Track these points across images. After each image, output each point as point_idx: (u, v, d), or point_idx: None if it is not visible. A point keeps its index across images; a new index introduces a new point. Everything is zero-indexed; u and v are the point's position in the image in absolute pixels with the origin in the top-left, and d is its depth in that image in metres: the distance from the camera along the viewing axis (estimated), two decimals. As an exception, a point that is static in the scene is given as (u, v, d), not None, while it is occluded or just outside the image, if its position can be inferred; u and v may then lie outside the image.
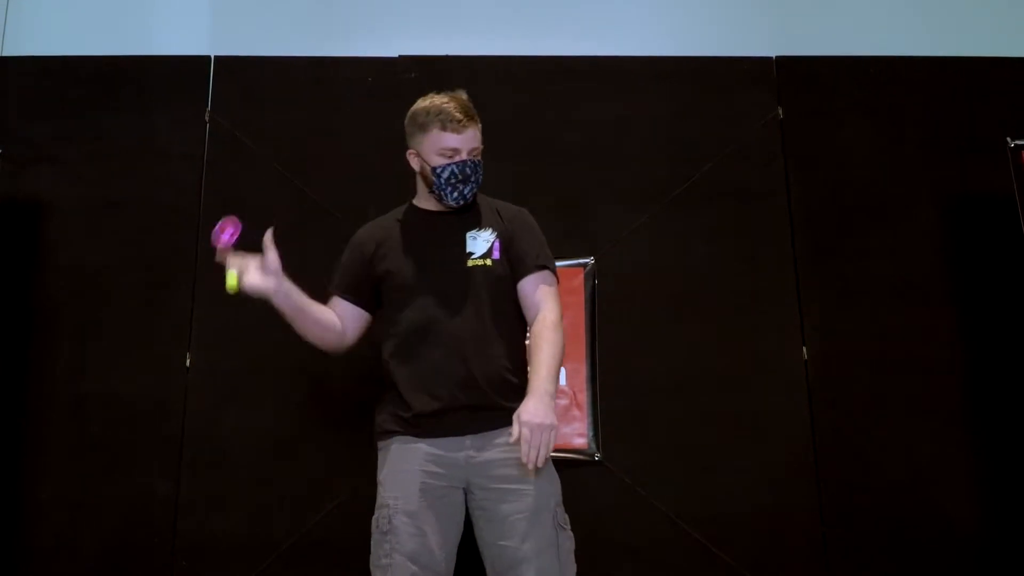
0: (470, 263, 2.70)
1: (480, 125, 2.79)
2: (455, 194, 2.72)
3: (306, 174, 3.94)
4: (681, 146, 4.02)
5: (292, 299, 2.73)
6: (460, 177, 2.70)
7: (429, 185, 2.78)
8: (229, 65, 4.07)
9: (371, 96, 4.04)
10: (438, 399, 2.61)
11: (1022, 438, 3.75)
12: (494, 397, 2.63)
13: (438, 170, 2.70)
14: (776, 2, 4.42)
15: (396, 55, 4.07)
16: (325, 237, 3.87)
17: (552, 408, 2.47)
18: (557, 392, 2.69)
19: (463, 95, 2.80)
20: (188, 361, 3.75)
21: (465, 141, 2.71)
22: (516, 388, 2.67)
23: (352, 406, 3.68)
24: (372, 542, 2.61)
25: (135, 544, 3.58)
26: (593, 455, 3.65)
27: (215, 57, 4.07)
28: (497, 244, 2.75)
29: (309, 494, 3.64)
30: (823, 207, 3.99)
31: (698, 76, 4.11)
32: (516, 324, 2.78)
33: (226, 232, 2.58)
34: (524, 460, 2.41)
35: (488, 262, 2.71)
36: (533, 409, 2.44)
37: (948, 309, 3.91)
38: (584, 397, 3.68)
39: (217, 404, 3.72)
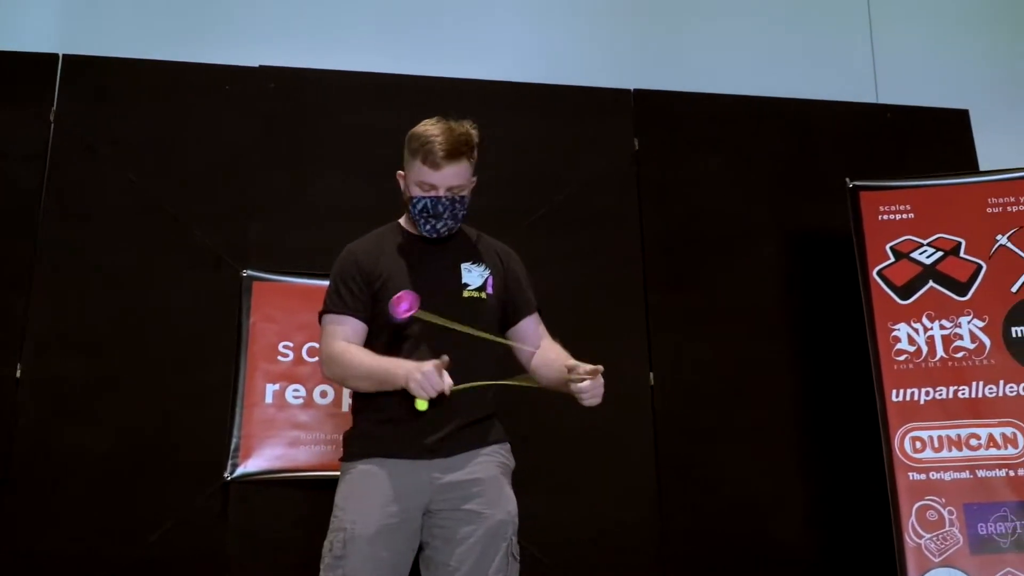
0: (466, 294, 2.65)
1: (471, 160, 2.69)
2: (427, 226, 2.65)
3: (156, 181, 3.83)
4: (538, 172, 4.09)
5: None
6: (431, 213, 2.62)
7: (407, 211, 2.73)
8: (79, 64, 3.91)
9: (228, 104, 3.95)
10: (417, 425, 2.52)
11: (851, 463, 3.94)
12: (471, 424, 2.62)
13: (414, 200, 2.63)
14: (637, 36, 4.55)
15: (256, 65, 4.00)
16: (173, 246, 3.78)
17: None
18: None
19: (464, 126, 2.69)
20: (19, 372, 3.57)
21: (443, 179, 2.61)
22: (488, 418, 2.68)
23: (190, 423, 3.61)
24: (323, 565, 2.51)
25: (-47, 565, 3.39)
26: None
27: (64, 55, 3.91)
28: (491, 280, 2.72)
29: (144, 512, 3.52)
30: (674, 238, 4.12)
31: (557, 104, 4.19)
32: (495, 359, 2.75)
33: (402, 304, 2.44)
34: (589, 380, 2.50)
35: (483, 295, 2.68)
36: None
37: (788, 339, 4.09)
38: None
39: (49, 418, 3.55)
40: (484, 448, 2.63)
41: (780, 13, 4.73)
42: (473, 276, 2.65)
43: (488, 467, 2.62)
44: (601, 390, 2.53)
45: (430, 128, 2.65)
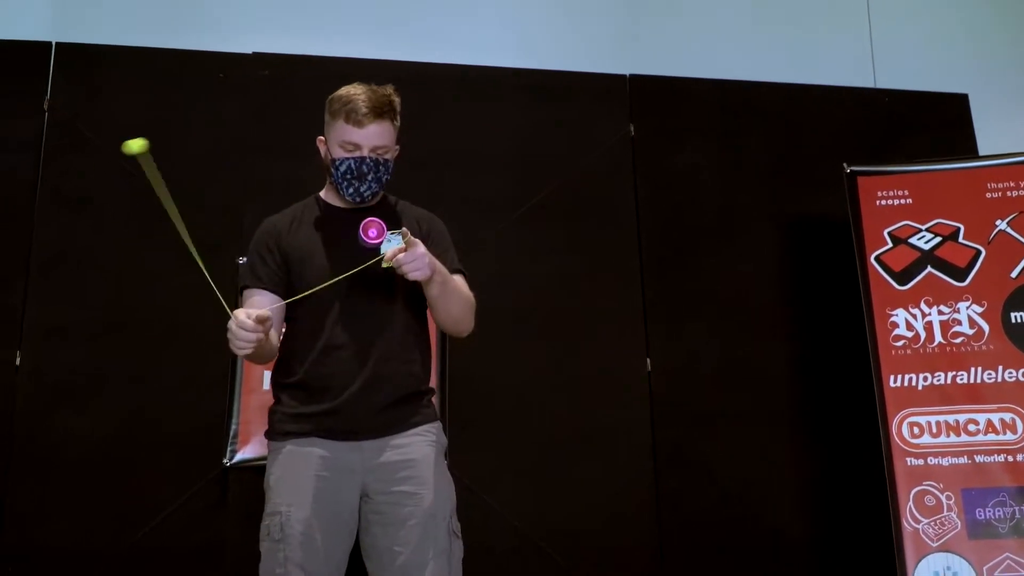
0: (384, 264, 2.52)
1: (395, 124, 2.61)
2: (351, 190, 2.59)
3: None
4: (534, 158, 4.08)
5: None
6: (355, 173, 2.56)
7: (329, 176, 2.66)
8: (72, 52, 3.90)
9: (222, 92, 3.94)
10: (341, 399, 2.50)
11: (848, 449, 3.94)
12: (398, 402, 2.57)
13: (337, 162, 2.56)
14: (632, 22, 4.52)
15: (249, 52, 3.99)
16: (169, 233, 3.75)
17: (432, 267, 2.44)
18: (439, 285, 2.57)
19: (387, 89, 2.61)
20: (18, 360, 3.58)
21: (367, 137, 2.55)
22: (422, 396, 2.63)
23: (188, 412, 3.61)
24: (263, 549, 2.48)
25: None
26: (444, 457, 3.64)
27: (56, 43, 3.90)
28: None
29: (144, 499, 3.53)
30: (669, 224, 4.11)
31: (552, 90, 4.18)
32: (425, 332, 2.71)
33: (371, 231, 2.40)
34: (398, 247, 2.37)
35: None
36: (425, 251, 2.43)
37: (785, 326, 4.09)
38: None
39: (48, 406, 3.56)
40: (415, 428, 2.58)
41: (777, -2, 4.71)
42: (392, 246, 2.50)
43: (420, 447, 2.57)
44: (422, 260, 2.39)
45: (352, 89, 2.59)
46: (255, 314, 2.28)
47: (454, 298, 2.60)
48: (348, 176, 2.58)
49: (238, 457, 3.63)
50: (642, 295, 3.99)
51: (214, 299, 2.29)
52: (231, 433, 3.65)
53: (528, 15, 4.44)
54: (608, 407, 3.86)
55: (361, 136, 2.55)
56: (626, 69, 4.25)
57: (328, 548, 2.47)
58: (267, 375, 3.71)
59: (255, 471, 3.60)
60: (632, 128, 4.16)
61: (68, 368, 3.61)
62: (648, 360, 3.93)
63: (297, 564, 2.41)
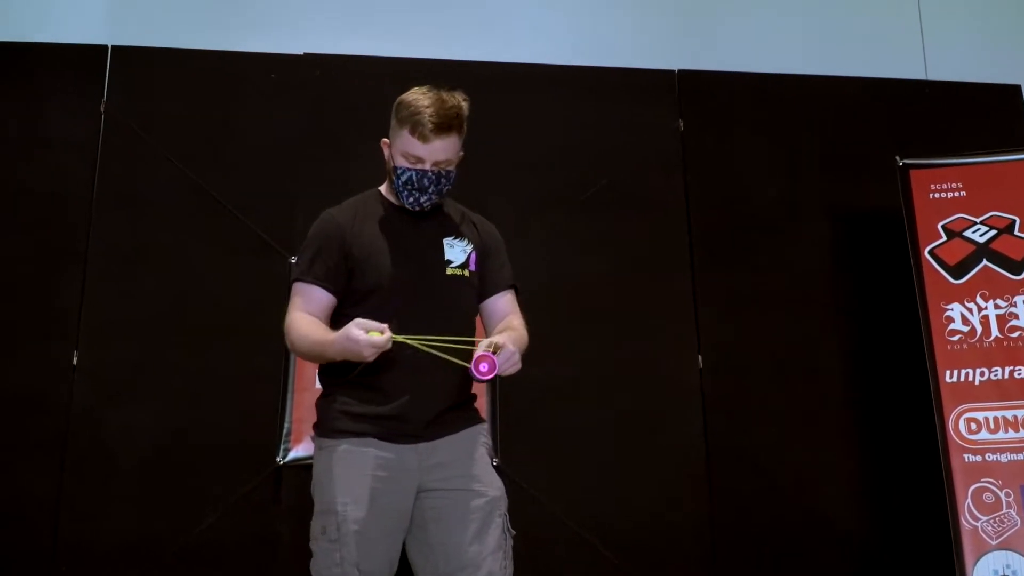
0: (449, 271, 2.56)
1: (461, 134, 2.54)
2: (410, 199, 2.56)
3: (204, 169, 3.87)
4: (583, 154, 4.07)
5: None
6: (416, 186, 2.53)
7: (390, 181, 2.64)
8: (127, 55, 3.96)
9: (274, 93, 3.98)
10: (398, 403, 2.49)
11: (904, 445, 3.89)
12: (452, 407, 2.57)
13: (399, 170, 2.54)
14: (680, 17, 4.50)
15: (301, 52, 4.02)
16: (222, 233, 3.81)
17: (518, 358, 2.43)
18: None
19: (456, 98, 2.54)
20: (75, 358, 3.63)
21: (431, 152, 2.50)
22: (467, 401, 2.64)
23: (242, 407, 3.65)
24: (318, 548, 2.46)
25: (14, 548, 3.45)
26: (491, 460, 3.65)
27: (112, 47, 3.96)
28: (474, 256, 2.64)
29: (197, 496, 3.56)
30: (720, 219, 4.08)
31: (602, 86, 4.18)
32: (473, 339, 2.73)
33: (482, 365, 2.40)
34: (489, 349, 2.34)
35: (466, 273, 2.60)
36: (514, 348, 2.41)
37: (838, 320, 4.05)
38: (483, 402, 3.68)
39: (104, 402, 3.61)
40: (467, 429, 2.58)
41: (826, -10, 4.67)
42: (456, 252, 2.55)
43: (475, 446, 2.58)
44: (511, 361, 2.37)
45: (420, 98, 2.51)
46: (373, 326, 2.29)
47: (522, 346, 2.59)
48: (409, 186, 2.55)
49: (291, 455, 3.65)
50: (692, 290, 3.97)
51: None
52: (284, 431, 3.67)
53: (577, 13, 4.44)
54: (660, 402, 3.84)
55: (425, 151, 2.50)
56: (675, 64, 4.24)
57: (384, 548, 2.46)
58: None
59: (308, 469, 3.59)
60: (681, 123, 4.15)
61: (124, 366, 3.66)
62: (699, 355, 3.90)
63: (353, 564, 2.40)
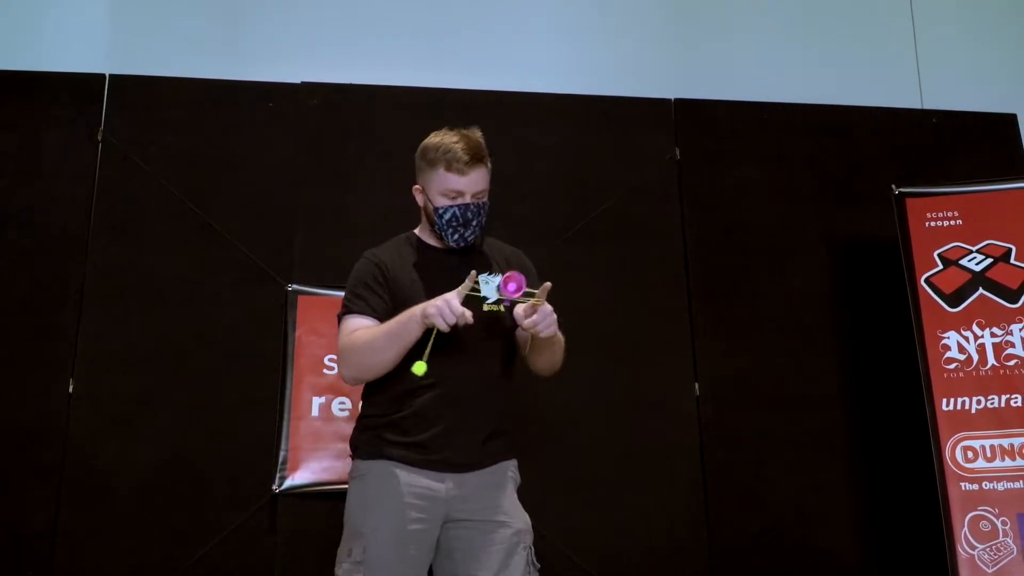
0: (485, 308, 2.59)
1: (489, 165, 2.67)
2: (456, 236, 2.64)
3: (201, 198, 3.87)
4: (579, 183, 4.09)
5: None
6: (461, 220, 2.61)
7: (431, 223, 2.70)
8: (125, 84, 3.97)
9: (272, 122, 4.00)
10: (432, 433, 2.54)
11: (902, 474, 3.88)
12: (486, 440, 2.62)
13: (440, 211, 2.61)
14: (676, 46, 4.53)
15: (298, 81, 4.04)
16: (219, 261, 3.82)
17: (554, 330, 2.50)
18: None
19: (476, 133, 2.67)
20: (71, 387, 3.62)
21: (470, 184, 2.60)
22: (506, 434, 2.68)
23: (238, 436, 3.65)
24: (339, 571, 2.53)
25: (9, 578, 3.44)
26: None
27: (110, 75, 3.97)
28: None
29: (194, 525, 3.55)
30: (717, 246, 4.09)
31: (598, 114, 4.19)
32: (512, 373, 2.77)
33: (511, 284, 2.43)
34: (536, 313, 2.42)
35: (501, 308, 2.63)
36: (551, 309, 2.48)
37: (835, 349, 4.05)
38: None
39: (99, 433, 3.60)
40: (498, 463, 2.64)
41: (822, 20, 4.69)
42: (491, 289, 2.56)
43: (504, 480, 2.65)
44: (552, 318, 2.46)
45: (446, 138, 2.64)
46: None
47: (559, 347, 2.68)
48: (454, 223, 2.62)
49: (287, 484, 3.64)
50: (689, 318, 3.98)
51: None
52: (280, 460, 3.66)
53: (574, 42, 4.47)
54: (657, 431, 3.84)
55: (464, 183, 2.60)
56: (671, 93, 4.26)
57: (406, 574, 2.50)
58: (316, 401, 3.75)
59: (304, 498, 3.62)
60: (678, 152, 4.17)
61: (120, 395, 3.65)
62: (696, 385, 3.90)
63: None
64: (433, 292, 2.55)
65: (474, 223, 2.64)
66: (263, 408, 3.69)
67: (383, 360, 2.55)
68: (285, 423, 3.71)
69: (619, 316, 3.94)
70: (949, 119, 4.42)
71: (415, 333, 2.46)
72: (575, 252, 3.99)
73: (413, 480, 2.54)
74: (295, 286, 3.82)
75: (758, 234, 4.13)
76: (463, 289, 2.42)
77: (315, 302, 3.82)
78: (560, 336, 2.65)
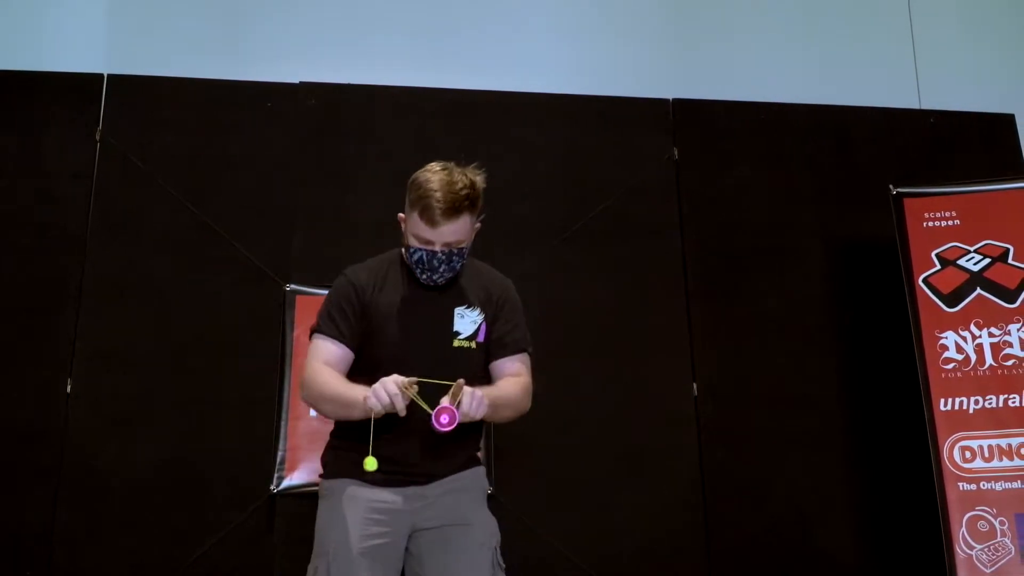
0: (455, 343, 2.59)
1: (473, 213, 2.55)
2: (424, 276, 2.60)
3: (199, 197, 3.87)
4: (578, 183, 4.09)
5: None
6: (427, 266, 2.56)
7: (407, 253, 2.65)
8: (123, 84, 3.98)
9: (270, 121, 3.99)
10: (397, 465, 2.52)
11: (899, 473, 3.88)
12: (451, 452, 2.60)
13: (411, 250, 2.58)
14: (675, 46, 4.53)
15: (297, 81, 4.04)
16: (217, 261, 3.82)
17: (486, 404, 2.40)
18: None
19: (467, 179, 2.54)
20: (69, 387, 3.62)
21: (440, 235, 2.52)
22: (471, 446, 2.69)
23: (236, 436, 3.65)
24: None
25: (7, 577, 3.44)
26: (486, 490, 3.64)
27: (108, 75, 3.98)
28: (484, 328, 2.65)
29: (191, 525, 3.55)
30: (715, 247, 4.10)
31: (597, 115, 4.20)
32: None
33: (443, 417, 2.39)
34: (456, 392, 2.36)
35: (472, 345, 2.61)
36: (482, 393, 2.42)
37: (833, 348, 4.05)
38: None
39: (98, 433, 3.60)
40: (461, 472, 2.62)
41: (820, 20, 4.70)
42: (466, 323, 2.58)
43: (468, 486, 2.62)
44: (477, 400, 2.37)
45: (431, 178, 2.52)
46: (403, 381, 2.34)
47: (504, 411, 2.60)
48: (420, 265, 2.58)
49: (284, 484, 3.64)
50: (688, 318, 3.98)
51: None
52: (278, 460, 3.66)
53: (573, 42, 4.47)
54: (655, 431, 3.84)
55: (434, 235, 2.52)
56: (669, 93, 4.27)
57: None
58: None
59: (301, 498, 3.62)
60: (676, 152, 4.17)
61: (118, 395, 3.66)
62: (695, 385, 3.91)
63: None
64: (406, 321, 2.57)
65: (441, 269, 2.58)
66: (261, 408, 3.69)
67: (336, 416, 2.57)
68: (283, 423, 3.70)
69: (618, 316, 3.94)
70: (947, 119, 4.42)
71: (358, 416, 2.42)
72: (574, 252, 3.99)
73: (375, 495, 2.54)
74: (293, 286, 3.82)
75: (756, 234, 4.13)
76: (409, 382, 2.36)
77: (314, 302, 3.79)
78: (509, 398, 2.60)
